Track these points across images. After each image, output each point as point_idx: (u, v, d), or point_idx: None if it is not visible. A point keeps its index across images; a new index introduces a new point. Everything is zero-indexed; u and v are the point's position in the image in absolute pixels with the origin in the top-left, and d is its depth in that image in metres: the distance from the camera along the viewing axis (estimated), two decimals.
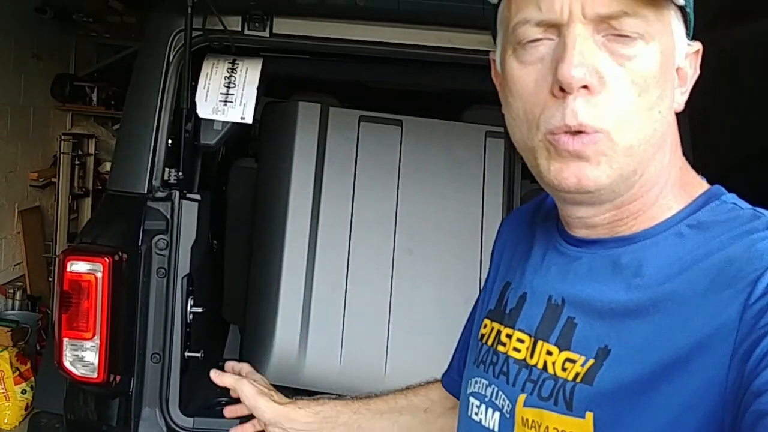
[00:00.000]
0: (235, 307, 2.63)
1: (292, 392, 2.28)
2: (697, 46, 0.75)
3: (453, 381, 1.07)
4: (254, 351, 2.36)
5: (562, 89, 0.66)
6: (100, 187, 5.05)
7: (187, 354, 2.12)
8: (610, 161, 0.68)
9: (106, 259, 1.89)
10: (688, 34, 0.74)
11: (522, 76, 0.71)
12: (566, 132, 0.68)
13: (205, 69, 2.18)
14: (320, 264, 2.40)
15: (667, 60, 0.70)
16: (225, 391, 2.36)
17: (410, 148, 2.48)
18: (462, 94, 2.75)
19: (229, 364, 1.24)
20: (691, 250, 0.69)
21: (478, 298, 1.02)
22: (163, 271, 2.06)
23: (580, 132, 0.67)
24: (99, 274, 1.88)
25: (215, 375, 1.15)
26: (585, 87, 0.66)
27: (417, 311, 2.38)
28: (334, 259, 2.39)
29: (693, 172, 0.77)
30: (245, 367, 1.22)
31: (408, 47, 2.13)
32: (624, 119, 0.67)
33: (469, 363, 0.91)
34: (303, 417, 1.10)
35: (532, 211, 0.91)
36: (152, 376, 2.06)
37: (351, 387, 2.30)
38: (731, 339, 0.61)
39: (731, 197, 0.73)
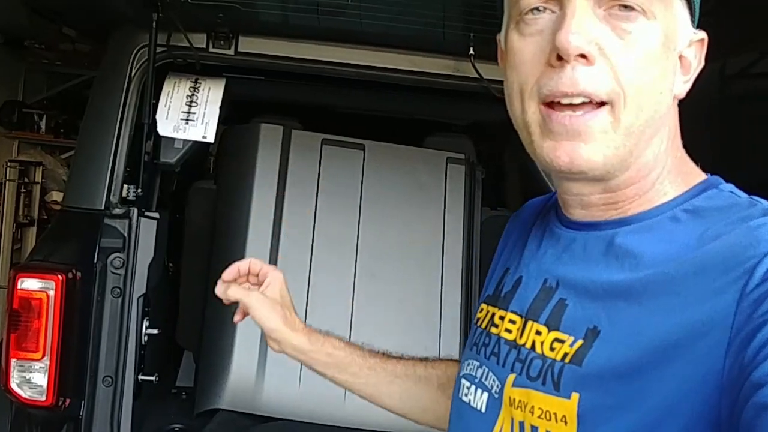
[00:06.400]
0: (189, 332, 2.56)
1: (249, 418, 2.23)
2: (702, 35, 0.75)
3: None
4: (211, 376, 2.30)
5: (559, 58, 0.66)
6: (45, 217, 4.91)
7: (140, 377, 2.05)
8: (607, 140, 0.68)
9: (59, 276, 1.82)
10: (692, 22, 0.74)
11: (521, 48, 0.71)
12: (562, 102, 0.67)
13: (167, 87, 2.15)
14: None
15: (669, 41, 0.70)
16: (178, 417, 2.30)
17: (372, 172, 2.49)
18: (424, 119, 2.78)
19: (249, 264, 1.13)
20: (686, 235, 0.68)
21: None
22: (119, 290, 1.99)
23: (581, 105, 0.67)
24: (51, 292, 1.81)
25: (220, 290, 1.09)
26: (583, 57, 0.66)
27: (378, 334, 2.34)
28: (295, 282, 2.33)
29: (692, 163, 0.77)
30: (268, 270, 1.14)
31: (371, 69, 2.14)
32: (625, 92, 0.67)
33: (465, 348, 0.91)
34: (315, 354, 1.07)
35: (542, 204, 0.91)
36: (104, 399, 1.98)
37: (310, 413, 2.25)
38: (728, 327, 0.60)
39: (729, 186, 0.73)
